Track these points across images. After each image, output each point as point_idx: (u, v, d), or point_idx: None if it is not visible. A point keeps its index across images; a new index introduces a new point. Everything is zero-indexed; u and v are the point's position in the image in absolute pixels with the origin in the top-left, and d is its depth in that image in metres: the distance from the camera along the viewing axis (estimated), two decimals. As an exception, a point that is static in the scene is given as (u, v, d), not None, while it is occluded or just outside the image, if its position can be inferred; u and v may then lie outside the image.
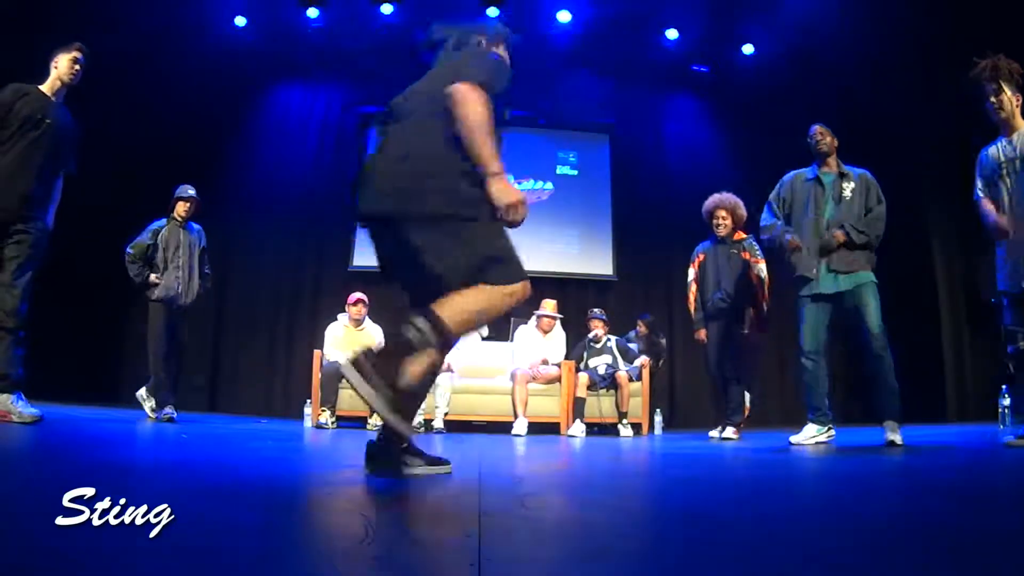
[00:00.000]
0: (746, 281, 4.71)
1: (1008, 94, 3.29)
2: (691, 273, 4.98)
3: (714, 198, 4.86)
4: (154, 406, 4.85)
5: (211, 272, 5.23)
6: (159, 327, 4.84)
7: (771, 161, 7.60)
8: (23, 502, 1.41)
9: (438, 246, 1.87)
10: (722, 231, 4.78)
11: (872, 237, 3.80)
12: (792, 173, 4.16)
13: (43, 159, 3.41)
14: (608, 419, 5.67)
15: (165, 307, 4.87)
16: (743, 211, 4.83)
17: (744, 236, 4.82)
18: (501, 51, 2.28)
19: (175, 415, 4.80)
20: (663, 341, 7.33)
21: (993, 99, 3.32)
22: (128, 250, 4.90)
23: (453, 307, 1.83)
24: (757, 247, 4.72)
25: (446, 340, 1.85)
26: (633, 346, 6.30)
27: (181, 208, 5.01)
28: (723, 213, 4.78)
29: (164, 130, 7.17)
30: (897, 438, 3.57)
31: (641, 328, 7.18)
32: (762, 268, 4.70)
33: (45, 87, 3.53)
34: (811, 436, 3.88)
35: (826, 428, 3.90)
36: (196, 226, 5.15)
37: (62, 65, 3.54)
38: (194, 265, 5.01)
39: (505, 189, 1.88)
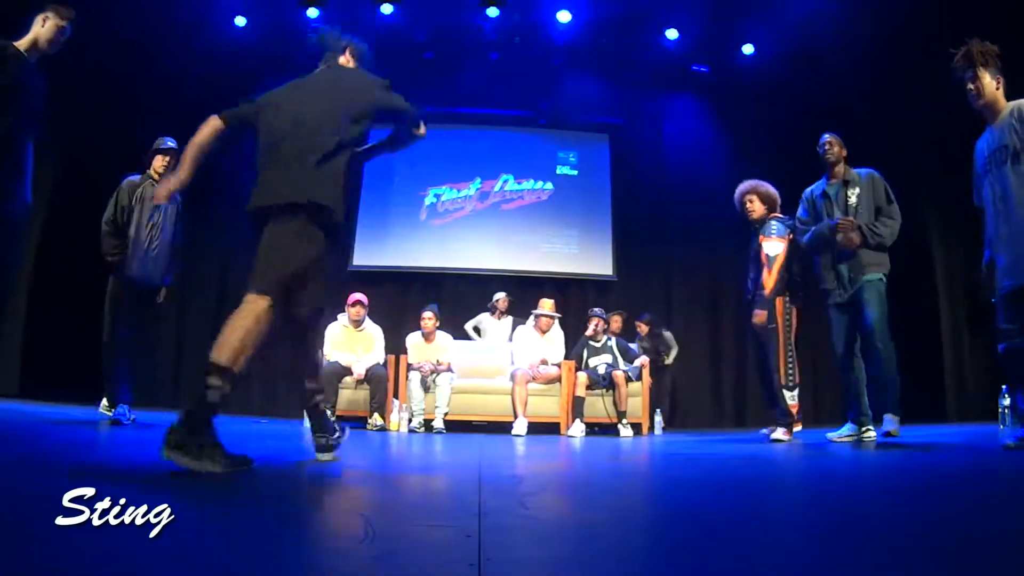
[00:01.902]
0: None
1: (987, 79, 3.12)
2: None
3: (739, 188, 4.65)
4: (107, 404, 4.09)
5: (183, 241, 4.43)
6: (122, 309, 4.07)
7: (771, 161, 7.65)
8: (23, 502, 1.40)
9: None
10: (754, 214, 4.54)
11: (887, 237, 3.86)
12: (807, 190, 4.23)
13: (12, 129, 2.95)
14: (609, 419, 5.66)
15: (131, 287, 4.09)
16: (766, 188, 4.56)
17: (767, 215, 4.53)
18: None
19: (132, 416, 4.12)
20: (668, 334, 7.29)
21: (971, 86, 3.15)
22: (108, 216, 4.14)
23: None
24: (773, 227, 4.43)
25: None
26: (634, 346, 6.29)
27: (159, 163, 4.26)
28: (750, 197, 4.57)
29: (164, 130, 7.15)
30: (894, 429, 3.66)
31: (641, 328, 7.17)
32: (772, 246, 4.37)
33: (22, 45, 3.09)
34: (848, 434, 4.00)
35: (863, 429, 3.95)
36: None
37: (48, 27, 3.14)
38: (168, 235, 4.22)
39: None
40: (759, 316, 4.38)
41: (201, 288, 7.67)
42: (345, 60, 3.00)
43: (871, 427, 3.95)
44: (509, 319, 6.92)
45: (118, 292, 4.10)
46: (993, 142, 3.14)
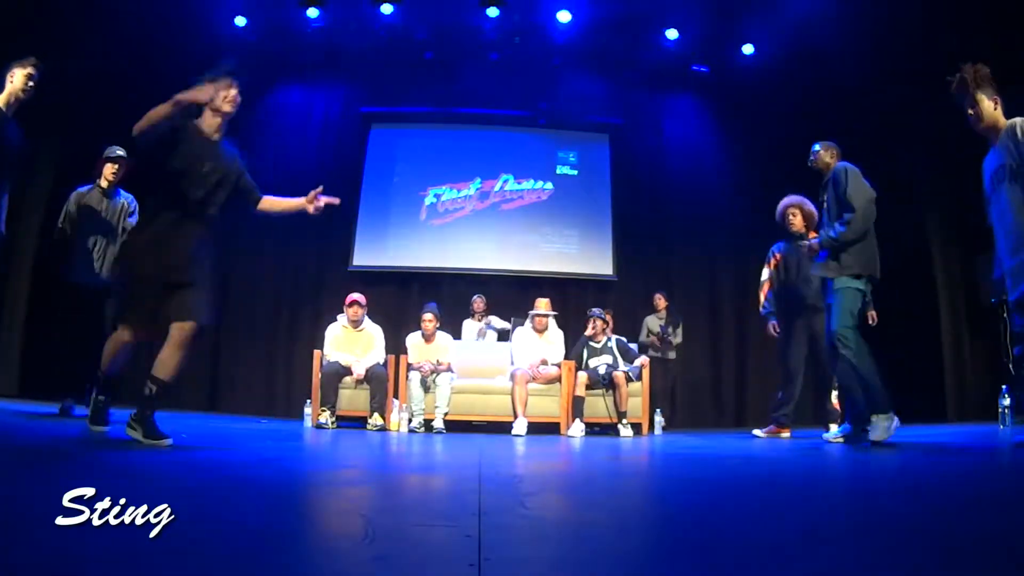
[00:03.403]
0: None
1: (985, 102, 3.15)
2: (765, 272, 5.12)
3: (783, 201, 5.00)
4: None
5: None
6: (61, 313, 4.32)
7: (770, 161, 7.66)
8: (23, 502, 1.41)
9: None
10: (795, 227, 4.89)
11: (841, 237, 3.73)
12: None
13: None
14: (609, 419, 5.66)
15: (81, 296, 4.35)
16: (811, 207, 4.90)
17: (805, 232, 4.91)
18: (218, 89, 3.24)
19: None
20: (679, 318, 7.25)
21: (971, 111, 3.18)
22: (60, 224, 4.42)
23: None
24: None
25: None
26: (634, 345, 6.28)
27: (108, 171, 4.46)
28: (793, 211, 4.92)
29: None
30: (878, 436, 3.50)
31: (659, 301, 7.07)
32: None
33: (1, 100, 3.51)
34: (842, 435, 3.99)
35: (858, 429, 3.84)
36: (127, 195, 4.56)
37: (17, 80, 3.54)
38: (117, 239, 4.38)
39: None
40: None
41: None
42: None
43: (867, 428, 3.93)
44: (490, 319, 6.98)
45: (70, 298, 4.42)
46: (995, 162, 3.17)
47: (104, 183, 4.47)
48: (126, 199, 4.56)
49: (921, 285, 6.86)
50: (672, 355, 7.12)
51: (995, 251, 3.30)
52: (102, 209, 4.43)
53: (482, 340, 6.84)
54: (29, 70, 3.55)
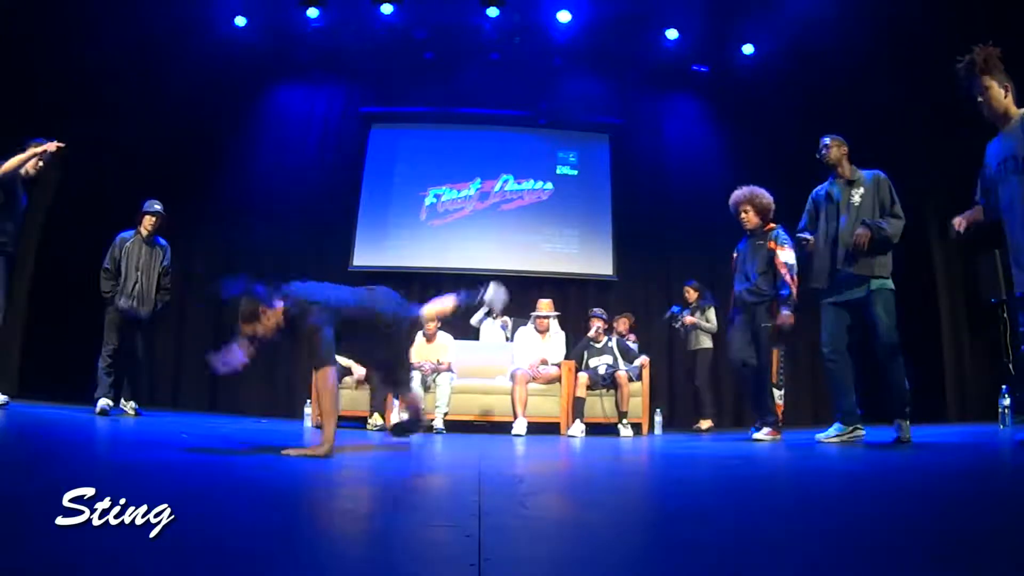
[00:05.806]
0: (772, 271, 4.57)
1: (995, 88, 3.09)
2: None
3: (733, 195, 4.79)
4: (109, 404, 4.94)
5: (170, 289, 5.41)
6: (114, 335, 5.07)
7: (770, 161, 7.66)
8: (23, 502, 1.41)
9: None
10: (747, 224, 4.72)
11: (890, 232, 3.82)
12: (815, 190, 4.23)
13: None
14: (608, 419, 5.66)
15: (121, 318, 5.08)
16: (762, 199, 4.69)
17: (773, 226, 4.70)
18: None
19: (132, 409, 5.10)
20: (711, 312, 6.98)
21: (980, 99, 3.13)
22: (106, 265, 5.12)
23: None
24: (784, 236, 4.61)
25: None
26: (634, 348, 6.28)
27: (148, 222, 5.19)
28: (744, 207, 4.73)
29: (164, 131, 7.16)
30: (904, 435, 3.71)
31: (690, 293, 6.86)
32: (788, 254, 4.54)
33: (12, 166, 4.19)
34: (835, 435, 3.97)
35: (850, 428, 3.94)
36: (163, 242, 5.32)
37: (31, 160, 4.27)
38: (153, 280, 5.19)
39: None
40: (790, 319, 4.42)
41: (200, 299, 7.69)
42: None
43: (860, 426, 3.96)
44: (506, 320, 6.95)
45: (111, 319, 5.10)
46: (1005, 150, 3.12)
47: (144, 232, 5.20)
48: (161, 245, 5.30)
49: (921, 285, 6.86)
50: (700, 343, 6.74)
51: (1009, 241, 3.22)
52: (142, 254, 5.17)
53: (487, 320, 6.80)
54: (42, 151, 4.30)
